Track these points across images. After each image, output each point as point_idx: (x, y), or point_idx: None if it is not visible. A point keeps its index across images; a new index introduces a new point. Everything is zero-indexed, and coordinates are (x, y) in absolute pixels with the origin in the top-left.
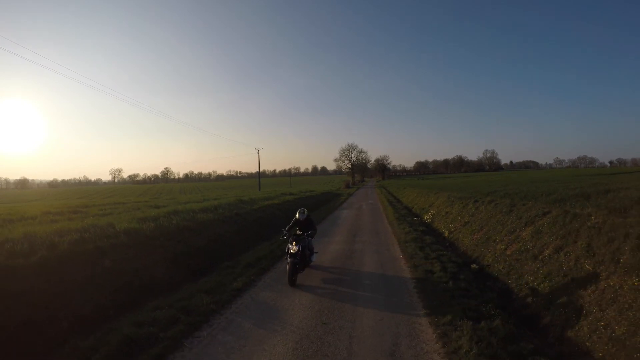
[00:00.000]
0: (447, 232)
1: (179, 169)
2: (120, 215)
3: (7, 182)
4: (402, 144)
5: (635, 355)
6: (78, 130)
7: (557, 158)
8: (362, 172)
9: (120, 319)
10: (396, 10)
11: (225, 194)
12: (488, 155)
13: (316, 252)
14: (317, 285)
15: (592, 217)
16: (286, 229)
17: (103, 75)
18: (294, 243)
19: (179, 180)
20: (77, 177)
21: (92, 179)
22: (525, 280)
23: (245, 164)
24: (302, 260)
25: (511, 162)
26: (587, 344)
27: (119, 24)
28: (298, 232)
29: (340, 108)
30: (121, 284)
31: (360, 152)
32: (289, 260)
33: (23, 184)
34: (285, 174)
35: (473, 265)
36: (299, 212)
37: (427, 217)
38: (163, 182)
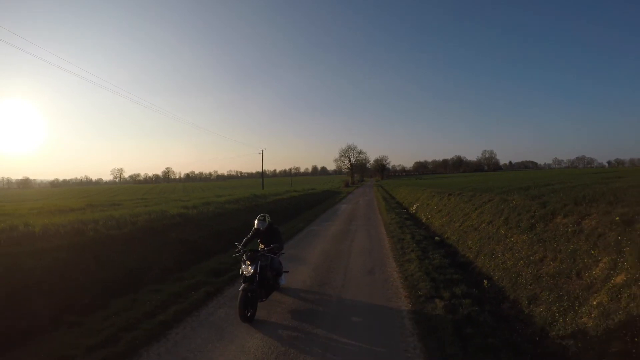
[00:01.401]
0: (424, 218)
1: (180, 169)
2: (159, 206)
3: (9, 181)
4: (402, 144)
5: (512, 275)
6: (78, 130)
7: (556, 158)
8: (361, 172)
9: (196, 267)
10: (396, 10)
11: (235, 192)
12: (487, 155)
13: (286, 272)
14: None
15: (514, 201)
16: (242, 242)
17: (103, 75)
18: (248, 263)
19: (180, 180)
20: (78, 176)
21: (93, 179)
22: (467, 244)
23: (246, 164)
24: (263, 286)
25: (510, 162)
26: (491, 272)
27: (119, 24)
28: (261, 246)
29: (340, 108)
30: (187, 248)
31: (360, 152)
32: (242, 286)
33: (25, 183)
34: (286, 174)
35: (436, 238)
36: (259, 220)
37: (413, 209)
38: (165, 182)
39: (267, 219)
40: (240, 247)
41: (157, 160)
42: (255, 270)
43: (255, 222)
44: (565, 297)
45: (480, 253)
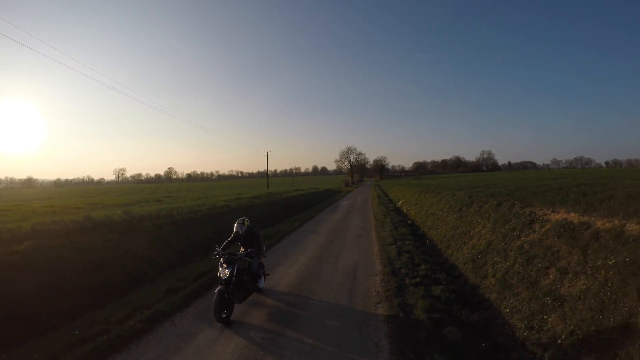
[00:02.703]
0: (405, 210)
1: (180, 169)
2: (201, 200)
3: (12, 181)
4: (402, 145)
5: (442, 236)
6: (78, 129)
7: (554, 159)
8: (361, 173)
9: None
10: (396, 11)
11: (247, 191)
12: (485, 156)
13: (267, 275)
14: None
15: (457, 195)
16: (222, 245)
17: (102, 76)
18: (225, 265)
19: (182, 180)
20: (79, 176)
21: (95, 179)
22: (426, 223)
23: (247, 164)
24: (239, 288)
25: (509, 162)
26: (433, 237)
27: (119, 24)
28: (241, 249)
29: (341, 108)
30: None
31: (359, 154)
32: (218, 288)
33: (29, 183)
34: (286, 174)
35: (409, 221)
36: (238, 223)
37: (399, 204)
38: (167, 182)
39: (246, 223)
40: (219, 249)
41: (157, 160)
42: (231, 273)
43: (235, 225)
44: (460, 243)
45: (432, 228)
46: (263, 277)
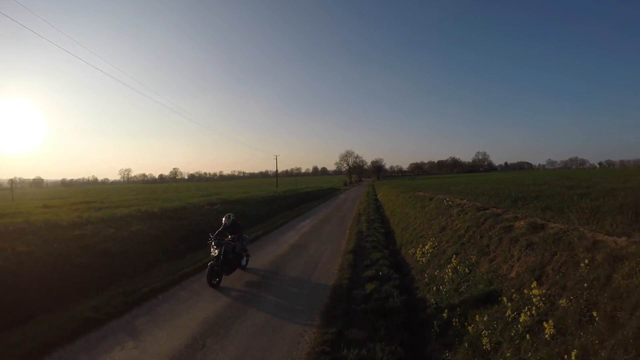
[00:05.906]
0: (380, 199)
1: (183, 169)
2: (244, 195)
3: (22, 181)
4: (401, 145)
5: (388, 207)
6: (79, 129)
7: (550, 159)
8: (359, 173)
9: (290, 211)
10: (395, 12)
11: (262, 189)
12: (480, 157)
13: (249, 256)
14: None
15: (420, 194)
16: (214, 233)
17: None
18: (215, 247)
19: (185, 180)
20: (84, 176)
21: (99, 179)
22: (386, 204)
23: (249, 165)
24: (225, 264)
25: (506, 163)
26: (385, 207)
27: (118, 23)
28: (229, 236)
29: (341, 109)
30: (282, 207)
31: (357, 157)
32: (210, 262)
33: (38, 183)
34: (288, 174)
35: (378, 204)
36: (225, 217)
37: (379, 196)
38: (172, 182)
39: (231, 217)
40: (212, 236)
41: (158, 160)
42: (220, 252)
43: (223, 219)
44: (392, 208)
45: (387, 205)
46: (246, 258)
